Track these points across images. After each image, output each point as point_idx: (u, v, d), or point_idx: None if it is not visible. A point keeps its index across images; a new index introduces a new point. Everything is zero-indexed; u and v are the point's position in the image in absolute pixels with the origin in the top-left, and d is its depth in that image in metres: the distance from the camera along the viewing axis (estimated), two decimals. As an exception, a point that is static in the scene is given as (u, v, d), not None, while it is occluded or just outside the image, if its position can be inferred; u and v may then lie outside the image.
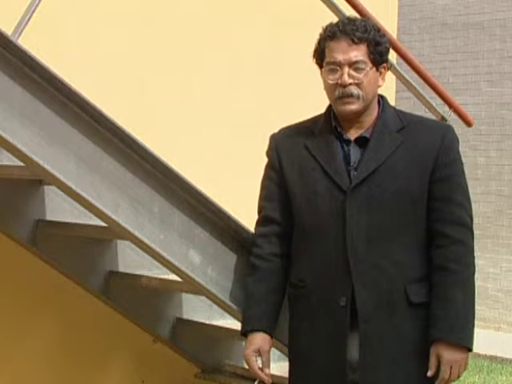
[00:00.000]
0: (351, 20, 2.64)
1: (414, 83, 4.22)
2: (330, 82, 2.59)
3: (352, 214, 2.56)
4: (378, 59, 2.61)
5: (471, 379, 7.07)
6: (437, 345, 2.54)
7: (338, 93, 2.57)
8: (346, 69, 2.56)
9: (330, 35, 2.59)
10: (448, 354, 2.53)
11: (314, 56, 2.67)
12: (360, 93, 2.57)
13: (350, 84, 2.56)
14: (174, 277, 3.10)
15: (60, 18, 3.93)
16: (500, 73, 9.81)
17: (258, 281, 2.71)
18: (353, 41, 2.56)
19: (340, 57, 2.56)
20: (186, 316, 3.87)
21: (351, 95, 2.57)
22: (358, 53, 2.57)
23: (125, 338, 4.20)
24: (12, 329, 3.97)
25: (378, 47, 2.60)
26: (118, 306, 3.84)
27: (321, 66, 2.65)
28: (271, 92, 4.98)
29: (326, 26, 2.64)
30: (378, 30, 2.63)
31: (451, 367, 2.53)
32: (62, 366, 4.11)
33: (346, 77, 2.56)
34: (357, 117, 2.62)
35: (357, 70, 2.57)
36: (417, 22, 10.41)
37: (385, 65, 2.65)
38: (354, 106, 2.59)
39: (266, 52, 5.03)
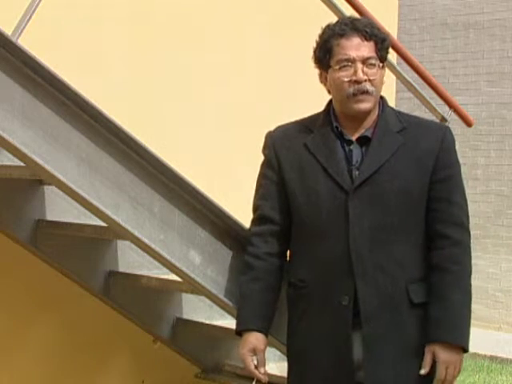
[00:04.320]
0: (355, 18, 2.65)
1: (414, 83, 4.22)
2: (345, 78, 2.56)
3: (355, 214, 2.56)
4: (384, 56, 2.62)
5: (471, 379, 7.07)
6: (433, 344, 2.55)
7: (353, 90, 2.55)
8: (360, 65, 2.55)
9: (340, 33, 2.57)
10: (444, 354, 2.53)
11: (316, 55, 2.64)
12: (373, 90, 2.57)
13: (365, 80, 2.56)
14: (174, 277, 3.10)
15: (60, 18, 3.93)
16: (500, 73, 9.81)
17: (252, 280, 2.70)
18: (365, 38, 2.56)
19: (353, 53, 2.55)
20: (186, 316, 3.87)
21: (366, 92, 2.56)
22: (369, 49, 2.57)
23: (125, 337, 4.20)
24: (12, 329, 3.97)
25: (384, 44, 2.61)
26: (118, 306, 3.85)
27: (324, 66, 2.62)
28: (271, 92, 4.98)
29: (330, 26, 2.63)
30: (377, 27, 2.64)
31: (447, 368, 2.54)
32: (62, 366, 4.11)
33: (361, 73, 2.55)
34: (360, 117, 2.62)
35: (369, 66, 2.57)
36: (417, 22, 10.41)
37: (384, 62, 2.66)
38: (368, 104, 2.58)
39: (265, 51, 5.03)
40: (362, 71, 2.55)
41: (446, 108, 4.37)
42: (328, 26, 2.63)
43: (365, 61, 2.56)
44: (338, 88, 2.60)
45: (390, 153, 2.60)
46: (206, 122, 4.68)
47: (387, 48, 2.64)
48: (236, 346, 3.87)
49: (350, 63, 2.56)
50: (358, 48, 2.56)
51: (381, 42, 2.60)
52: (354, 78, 2.56)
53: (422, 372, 2.55)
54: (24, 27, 2.66)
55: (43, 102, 2.51)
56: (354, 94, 2.56)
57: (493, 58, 9.86)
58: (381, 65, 2.61)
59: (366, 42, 2.57)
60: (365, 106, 2.58)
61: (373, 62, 2.57)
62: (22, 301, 3.96)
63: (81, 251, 3.68)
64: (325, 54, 2.61)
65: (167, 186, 2.76)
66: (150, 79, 4.43)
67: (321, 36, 2.63)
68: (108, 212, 2.64)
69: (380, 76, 2.60)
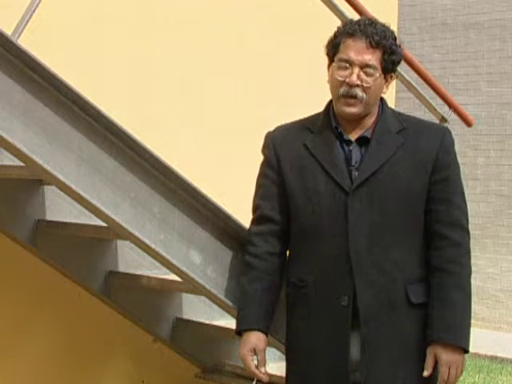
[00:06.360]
0: (373, 22, 2.62)
1: (414, 83, 4.22)
2: (339, 78, 2.58)
3: (354, 214, 2.57)
4: (389, 68, 2.61)
5: (471, 379, 7.07)
6: (434, 346, 2.55)
7: (343, 90, 2.57)
8: (357, 69, 2.56)
9: (349, 32, 2.57)
10: (446, 355, 2.53)
11: (327, 47, 2.65)
12: (364, 96, 2.57)
13: (357, 85, 2.56)
14: (174, 277, 3.10)
15: (60, 18, 3.93)
16: (500, 73, 9.81)
17: (253, 280, 2.70)
18: (370, 44, 2.55)
19: (354, 56, 2.56)
20: (186, 316, 3.87)
21: (355, 96, 2.56)
22: (373, 57, 2.56)
23: (125, 338, 4.20)
24: (12, 329, 3.96)
25: (392, 56, 2.60)
26: (118, 306, 3.85)
27: (331, 60, 2.64)
28: (271, 92, 4.98)
29: (347, 22, 2.64)
30: (395, 38, 2.62)
31: (449, 368, 2.54)
32: (62, 366, 4.11)
33: (354, 77, 2.55)
34: (356, 119, 2.62)
35: (367, 73, 2.56)
36: (417, 22, 10.41)
37: (392, 74, 2.65)
38: (354, 109, 2.58)
39: (266, 53, 5.03)
40: (357, 76, 2.56)
41: (446, 108, 4.38)
42: (346, 23, 2.64)
43: (363, 66, 2.56)
44: (332, 85, 2.63)
45: (389, 153, 2.60)
46: (206, 122, 4.68)
47: (396, 61, 2.62)
48: (236, 345, 3.88)
49: (348, 64, 2.57)
50: (360, 52, 2.56)
51: (389, 54, 2.58)
52: (347, 79, 2.56)
53: (425, 374, 2.55)
54: (24, 27, 2.67)
55: (43, 102, 2.51)
56: (344, 96, 2.58)
57: (493, 58, 9.86)
58: (381, 75, 2.59)
59: (371, 49, 2.56)
60: (351, 110, 2.59)
61: (371, 70, 2.57)
62: (21, 301, 3.96)
63: (81, 251, 3.68)
64: (332, 49, 2.63)
65: (167, 186, 2.77)
66: (151, 79, 4.43)
67: (337, 29, 2.64)
68: (108, 212, 2.64)
69: (377, 85, 2.59)
